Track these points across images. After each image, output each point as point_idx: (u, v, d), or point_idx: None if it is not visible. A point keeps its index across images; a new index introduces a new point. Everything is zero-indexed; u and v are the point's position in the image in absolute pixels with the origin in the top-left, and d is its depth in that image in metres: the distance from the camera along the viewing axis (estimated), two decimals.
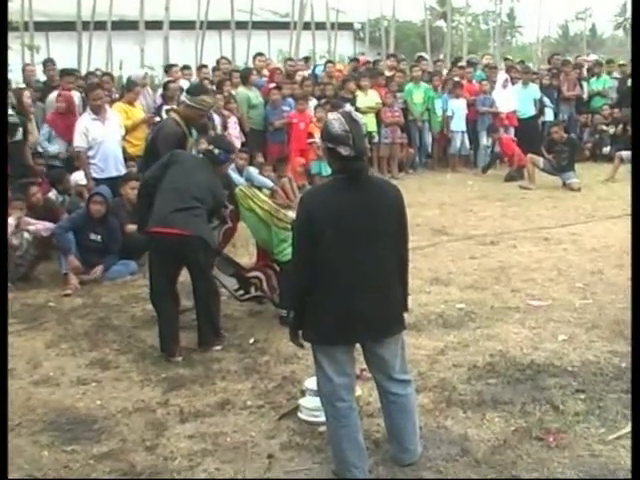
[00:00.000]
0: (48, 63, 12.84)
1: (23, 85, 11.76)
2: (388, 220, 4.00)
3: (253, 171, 11.89)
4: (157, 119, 11.66)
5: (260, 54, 15.54)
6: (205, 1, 18.66)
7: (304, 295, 4.00)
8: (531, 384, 5.17)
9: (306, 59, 17.97)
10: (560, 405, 4.82)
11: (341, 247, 3.92)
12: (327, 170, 10.92)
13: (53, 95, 10.85)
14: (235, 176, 11.29)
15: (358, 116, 4.01)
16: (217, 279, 6.49)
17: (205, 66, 15.06)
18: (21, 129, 9.42)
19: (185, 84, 13.11)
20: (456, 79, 15.75)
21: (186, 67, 14.38)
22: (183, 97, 6.97)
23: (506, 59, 19.29)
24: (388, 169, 14.75)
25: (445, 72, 16.90)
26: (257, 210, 6.53)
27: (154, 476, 4.24)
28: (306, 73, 15.32)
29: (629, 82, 14.32)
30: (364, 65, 16.70)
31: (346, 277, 3.93)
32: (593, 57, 21.08)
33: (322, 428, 4.43)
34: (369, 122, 13.34)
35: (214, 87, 13.05)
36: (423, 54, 19.87)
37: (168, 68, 14.03)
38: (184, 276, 8.14)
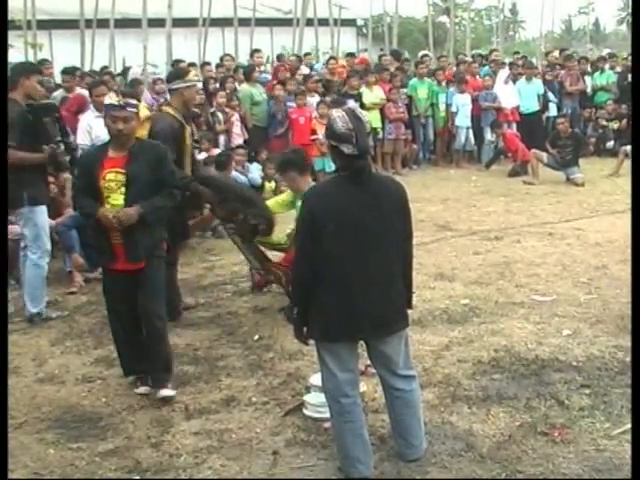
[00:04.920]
0: (45, 63, 12.84)
1: None
2: (392, 217, 4.00)
3: (253, 168, 11.90)
4: None
5: (257, 50, 15.53)
6: None
7: (306, 291, 4.01)
8: (536, 379, 5.18)
9: (304, 55, 17.91)
10: (565, 400, 4.82)
11: (344, 244, 3.92)
12: (331, 166, 10.93)
13: (56, 94, 10.87)
14: (235, 174, 11.32)
15: (362, 113, 4.01)
16: (242, 252, 7.03)
17: (209, 63, 15.06)
18: None
19: None
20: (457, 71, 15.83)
21: (191, 64, 14.37)
22: (171, 86, 6.90)
23: (515, 53, 19.22)
24: (392, 165, 14.76)
25: (452, 68, 16.89)
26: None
27: (159, 473, 4.26)
28: (305, 69, 15.32)
29: (629, 77, 14.31)
30: (362, 64, 16.64)
31: (350, 274, 3.93)
32: (606, 51, 21.08)
33: (327, 424, 4.43)
34: (374, 118, 13.35)
35: (217, 84, 13.07)
36: (426, 52, 19.86)
37: (176, 64, 14.03)
38: (188, 273, 8.19)
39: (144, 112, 10.67)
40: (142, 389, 5.28)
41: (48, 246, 6.90)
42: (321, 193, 4.11)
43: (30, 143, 6.55)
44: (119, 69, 16.71)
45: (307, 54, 17.32)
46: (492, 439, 4.41)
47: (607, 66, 16.96)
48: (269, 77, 14.89)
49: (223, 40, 21.33)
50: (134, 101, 5.36)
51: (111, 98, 5.38)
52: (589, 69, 17.13)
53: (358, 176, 3.96)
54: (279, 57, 17.77)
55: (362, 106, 12.92)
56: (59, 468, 4.35)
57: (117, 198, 5.07)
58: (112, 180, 5.08)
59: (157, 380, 5.20)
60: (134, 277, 5.14)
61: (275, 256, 7.04)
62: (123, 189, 5.07)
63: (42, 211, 6.80)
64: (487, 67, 16.79)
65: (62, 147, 6.70)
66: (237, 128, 12.66)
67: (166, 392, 5.12)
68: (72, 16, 18.58)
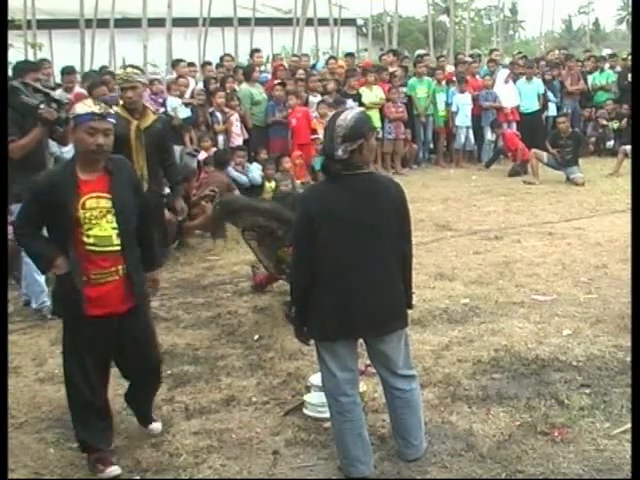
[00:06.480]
0: (44, 63, 12.83)
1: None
2: (388, 216, 4.00)
3: (253, 168, 11.90)
4: (162, 110, 11.72)
5: (257, 50, 15.54)
6: None
7: (304, 291, 4.02)
8: (536, 379, 5.18)
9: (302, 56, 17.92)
10: (565, 400, 4.82)
11: (340, 243, 3.93)
12: None
13: (56, 93, 10.85)
14: (236, 174, 11.32)
15: (345, 117, 3.96)
16: (256, 255, 7.05)
17: (209, 63, 15.05)
18: None
19: (191, 81, 13.14)
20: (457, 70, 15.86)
21: (191, 64, 14.38)
22: None
23: (519, 52, 19.22)
24: (392, 165, 14.77)
25: (450, 68, 16.89)
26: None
27: (159, 473, 4.26)
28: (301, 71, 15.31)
29: (629, 76, 14.32)
30: (368, 66, 16.62)
31: (345, 273, 3.94)
32: (607, 51, 21.12)
33: (327, 424, 4.43)
34: (373, 118, 13.34)
35: (218, 84, 13.07)
36: (422, 51, 19.88)
37: (175, 63, 14.05)
38: (188, 273, 8.20)
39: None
40: (111, 470, 4.26)
41: None
42: (316, 194, 4.13)
43: (27, 128, 6.59)
44: (119, 69, 16.69)
45: (304, 55, 17.30)
46: (492, 439, 4.41)
47: (607, 66, 16.96)
48: (269, 77, 14.88)
49: (223, 40, 21.31)
50: (112, 110, 4.50)
51: (88, 105, 4.20)
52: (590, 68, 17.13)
53: (333, 178, 3.99)
54: (274, 58, 17.74)
55: (362, 106, 12.91)
56: (59, 468, 4.35)
57: (104, 228, 4.15)
58: (94, 208, 4.14)
59: (146, 419, 4.73)
60: (114, 321, 4.27)
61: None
62: (110, 217, 4.17)
63: None
64: (485, 67, 16.81)
65: (52, 105, 6.63)
66: (237, 128, 12.66)
67: (157, 425, 4.71)
68: (72, 16, 18.57)
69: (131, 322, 4.32)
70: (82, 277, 4.14)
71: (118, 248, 4.19)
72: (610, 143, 15.73)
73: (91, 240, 4.13)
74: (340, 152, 3.91)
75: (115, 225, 4.18)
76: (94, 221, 4.13)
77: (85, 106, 4.16)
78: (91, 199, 4.14)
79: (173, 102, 11.96)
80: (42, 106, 6.54)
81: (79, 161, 4.19)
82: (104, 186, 4.19)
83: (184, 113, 12.00)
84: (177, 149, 11.81)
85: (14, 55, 11.81)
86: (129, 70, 6.80)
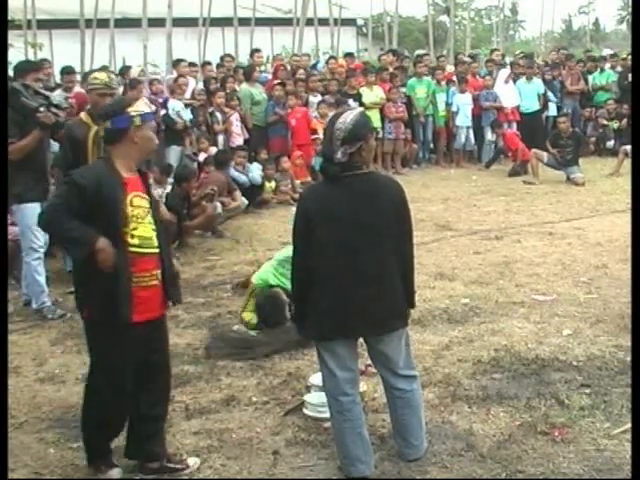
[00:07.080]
0: (44, 62, 12.84)
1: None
2: (388, 216, 3.99)
3: (253, 168, 11.90)
4: (163, 112, 11.72)
5: (257, 50, 15.55)
6: None
7: (303, 290, 4.04)
8: (536, 379, 5.17)
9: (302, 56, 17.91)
10: (565, 400, 4.82)
11: (337, 243, 3.94)
12: None
13: (56, 93, 10.85)
14: (236, 174, 11.32)
15: (344, 118, 3.95)
16: None
17: (209, 63, 15.06)
18: None
19: (192, 81, 13.15)
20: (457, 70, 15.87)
21: (192, 64, 14.39)
22: None
23: (520, 53, 19.23)
24: (392, 164, 14.77)
25: (450, 68, 16.89)
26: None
27: (160, 473, 4.25)
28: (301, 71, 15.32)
29: (629, 76, 14.32)
30: (358, 69, 16.58)
31: (341, 273, 3.95)
32: (607, 51, 21.15)
33: (327, 424, 4.43)
34: (373, 118, 13.35)
35: (218, 84, 13.08)
36: (422, 51, 19.88)
37: (176, 63, 14.06)
38: (188, 273, 8.20)
39: None
40: (112, 470, 4.24)
41: (34, 244, 6.85)
42: (315, 194, 4.13)
43: (27, 130, 6.59)
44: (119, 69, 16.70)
45: (305, 55, 17.31)
46: (492, 439, 4.41)
47: (607, 66, 16.96)
48: (269, 77, 14.89)
49: (223, 40, 21.32)
50: None
51: (146, 104, 4.26)
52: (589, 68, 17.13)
53: (330, 179, 3.99)
54: (274, 58, 17.73)
55: (362, 105, 12.92)
56: (59, 468, 4.34)
57: (146, 228, 4.03)
58: (139, 206, 4.02)
59: (162, 445, 4.32)
60: (148, 328, 4.10)
61: None
62: (150, 217, 4.06)
63: (28, 209, 6.70)
64: (483, 68, 16.83)
65: (51, 109, 6.63)
66: (237, 128, 12.66)
67: (195, 460, 4.35)
68: (72, 16, 18.58)
69: (161, 328, 4.24)
70: (129, 279, 3.95)
71: (158, 250, 4.08)
72: (610, 143, 15.73)
73: (136, 241, 3.97)
74: (339, 155, 3.91)
75: (154, 226, 4.08)
76: (139, 220, 4.00)
77: (146, 105, 4.17)
78: (136, 197, 4.03)
79: (176, 105, 11.96)
80: (41, 109, 6.55)
81: (125, 159, 4.04)
82: (142, 186, 4.12)
83: (188, 115, 12.02)
84: (177, 150, 11.88)
85: (14, 55, 11.81)
86: (112, 76, 6.80)
